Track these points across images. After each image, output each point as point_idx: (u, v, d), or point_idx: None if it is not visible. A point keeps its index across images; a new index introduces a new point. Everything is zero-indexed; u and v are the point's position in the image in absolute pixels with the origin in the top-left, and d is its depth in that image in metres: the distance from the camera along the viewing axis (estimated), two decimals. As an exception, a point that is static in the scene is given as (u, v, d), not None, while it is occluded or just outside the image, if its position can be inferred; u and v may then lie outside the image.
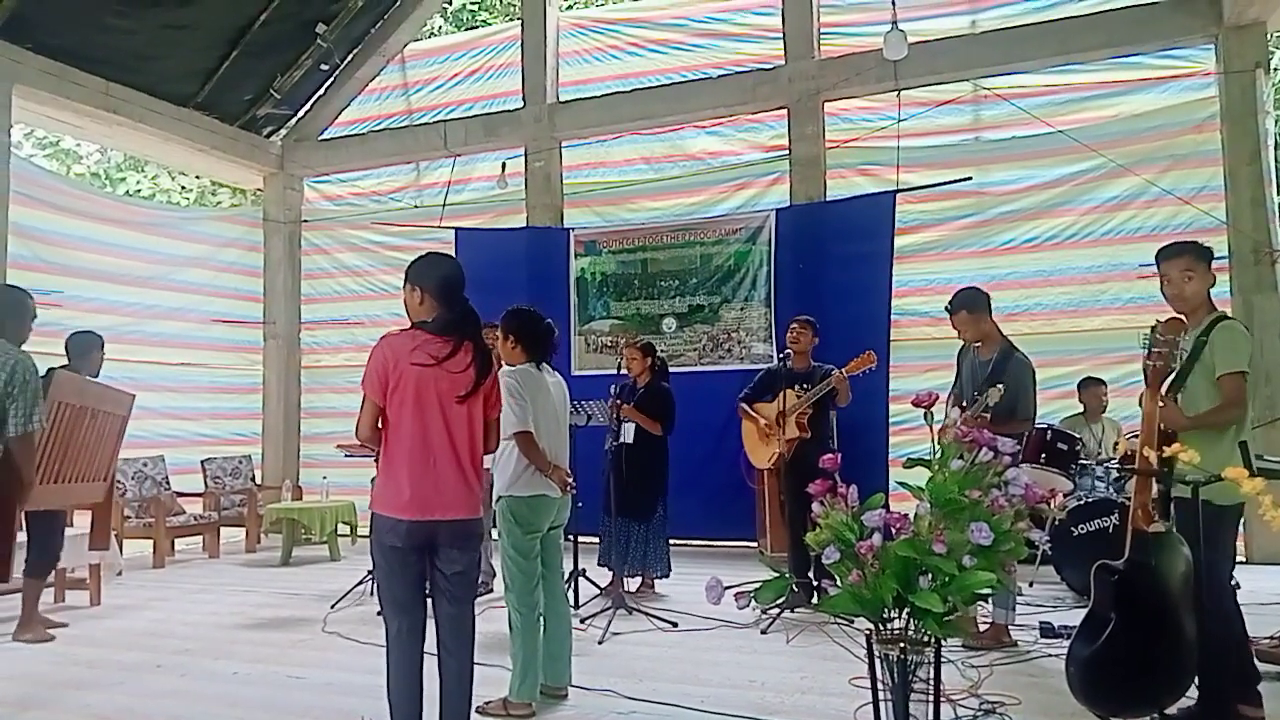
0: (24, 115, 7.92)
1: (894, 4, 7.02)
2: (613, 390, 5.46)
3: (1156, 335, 3.16)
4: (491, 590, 5.89)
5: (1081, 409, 6.45)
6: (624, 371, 5.84)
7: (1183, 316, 3.29)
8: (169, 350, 8.74)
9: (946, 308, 4.70)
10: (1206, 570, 3.04)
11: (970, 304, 4.60)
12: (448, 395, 2.85)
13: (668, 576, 5.87)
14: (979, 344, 4.64)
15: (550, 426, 3.69)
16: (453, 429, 2.86)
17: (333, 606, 5.51)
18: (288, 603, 5.86)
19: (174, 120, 8.72)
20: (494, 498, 3.76)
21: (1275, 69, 9.29)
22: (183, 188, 15.04)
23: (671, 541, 7.47)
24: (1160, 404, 3.18)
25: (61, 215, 8.08)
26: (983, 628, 4.36)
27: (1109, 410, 6.47)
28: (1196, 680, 3.03)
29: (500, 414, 3.15)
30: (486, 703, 3.51)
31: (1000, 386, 4.28)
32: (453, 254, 3.11)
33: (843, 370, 5.23)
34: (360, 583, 5.74)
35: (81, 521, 5.49)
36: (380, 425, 2.88)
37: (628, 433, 5.55)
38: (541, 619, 3.66)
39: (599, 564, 5.78)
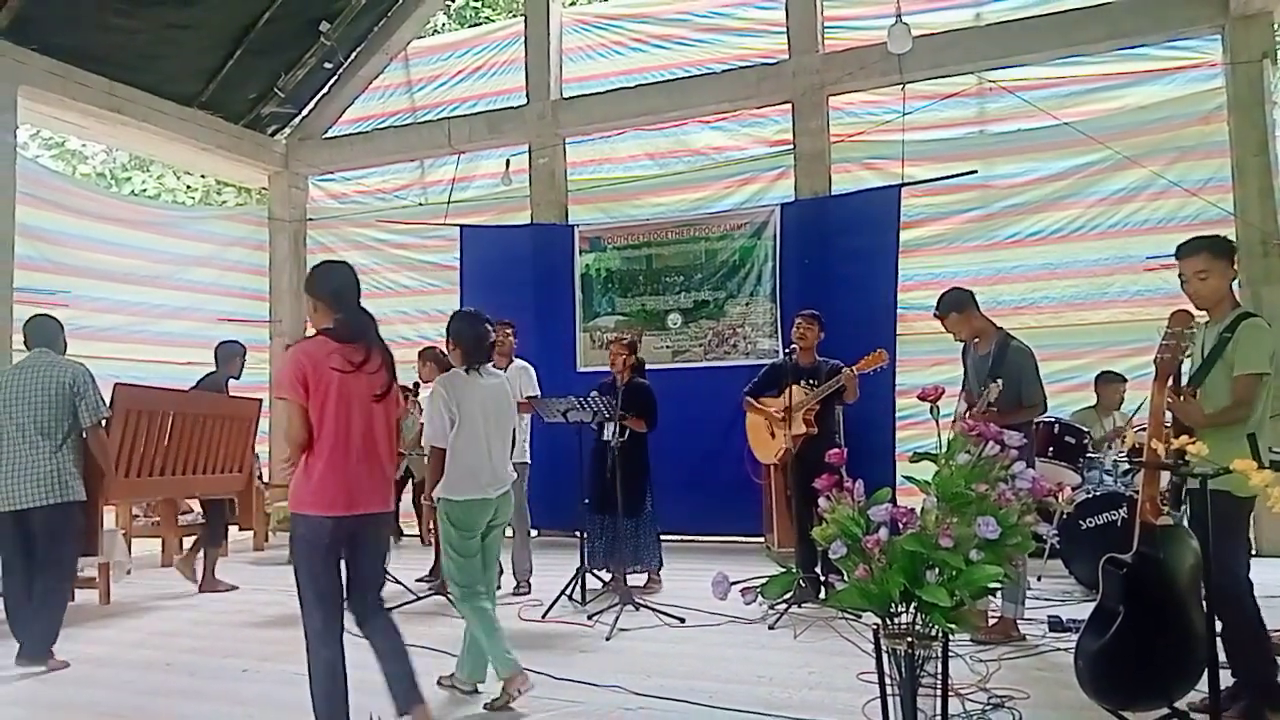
0: (30, 116, 7.93)
1: (898, -3, 7.01)
2: (594, 396, 5.39)
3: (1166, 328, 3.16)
4: (499, 587, 5.89)
5: (1094, 401, 6.41)
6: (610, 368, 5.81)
7: (1191, 310, 3.29)
8: (175, 349, 8.75)
9: (935, 314, 4.68)
10: (1228, 559, 3.03)
11: (958, 304, 4.60)
12: (366, 396, 3.05)
13: (661, 568, 5.83)
14: (976, 340, 4.63)
15: (478, 429, 3.72)
16: (373, 427, 3.08)
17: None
18: (295, 601, 5.86)
19: (178, 120, 8.74)
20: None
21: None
22: (188, 187, 15.08)
23: (679, 538, 7.47)
24: (1182, 399, 3.18)
25: (68, 215, 8.11)
26: (991, 622, 4.35)
27: (1123, 404, 6.42)
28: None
29: (400, 416, 3.36)
30: (494, 699, 3.59)
31: (999, 381, 4.27)
32: (344, 261, 3.34)
33: (853, 368, 5.20)
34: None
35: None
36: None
37: (609, 430, 5.45)
38: (489, 607, 3.73)
39: (584, 564, 5.59)
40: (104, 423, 4.68)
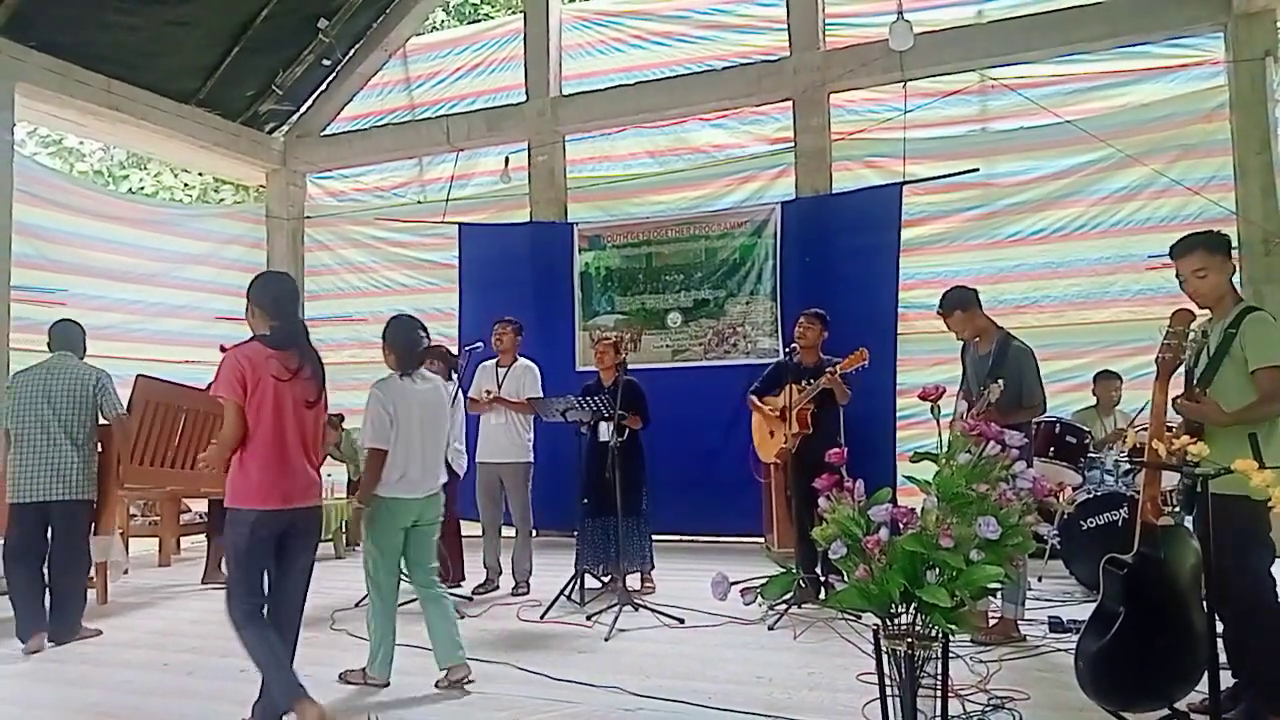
0: (27, 113, 7.92)
1: (899, -6, 6.98)
2: (595, 397, 5.37)
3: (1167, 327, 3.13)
4: (498, 587, 5.89)
5: (1094, 402, 6.40)
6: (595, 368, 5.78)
7: (1193, 309, 3.24)
8: (173, 348, 8.73)
9: (939, 311, 4.66)
10: (1255, 566, 3.00)
11: (962, 303, 4.57)
12: (300, 401, 3.28)
13: (652, 569, 5.81)
14: (977, 339, 4.61)
15: (413, 434, 3.89)
16: (304, 429, 3.31)
17: (356, 605, 5.47)
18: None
19: (176, 117, 8.71)
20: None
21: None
22: (185, 185, 15.05)
23: (678, 538, 7.43)
24: (1196, 401, 3.13)
25: (65, 213, 8.08)
26: (991, 622, 4.33)
27: (1120, 402, 6.41)
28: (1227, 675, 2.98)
29: (327, 418, 3.58)
30: (349, 670, 3.91)
31: (1000, 382, 4.25)
32: (285, 272, 3.56)
33: (835, 369, 5.16)
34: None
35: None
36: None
37: (605, 431, 5.40)
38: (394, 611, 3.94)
39: (577, 565, 5.55)
40: (124, 414, 5.12)
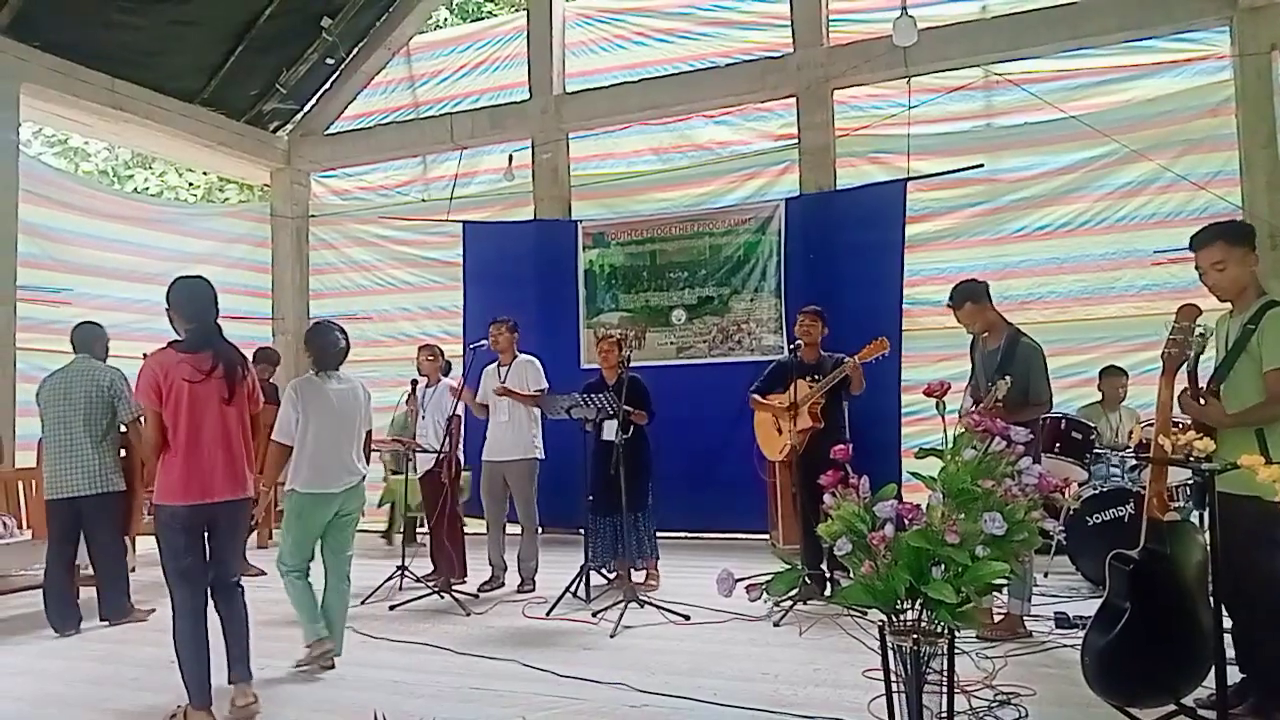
0: (32, 113, 7.92)
1: (903, -11, 6.95)
2: (601, 395, 5.37)
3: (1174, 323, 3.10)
4: (503, 585, 5.90)
5: (1100, 397, 6.39)
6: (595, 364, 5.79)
7: (1199, 304, 3.21)
8: (179, 347, 8.75)
9: (949, 304, 4.64)
10: (1263, 565, 2.97)
11: (973, 295, 4.55)
12: (215, 399, 3.49)
13: (658, 558, 5.84)
14: (986, 334, 4.59)
15: (328, 429, 4.17)
16: (227, 426, 3.51)
17: (362, 602, 5.49)
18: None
19: (180, 116, 8.73)
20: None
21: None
22: (190, 184, 15.08)
23: (683, 534, 7.43)
24: (1203, 401, 3.09)
25: (70, 213, 8.09)
26: (997, 618, 4.33)
27: (1126, 398, 6.40)
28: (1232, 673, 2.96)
29: (259, 410, 3.79)
30: (300, 660, 4.15)
31: (1008, 379, 4.23)
32: (200, 275, 3.80)
33: (855, 357, 5.17)
34: (389, 579, 5.74)
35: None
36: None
37: (610, 429, 5.39)
38: (310, 584, 4.22)
39: (585, 563, 5.52)
40: (142, 419, 5.20)
